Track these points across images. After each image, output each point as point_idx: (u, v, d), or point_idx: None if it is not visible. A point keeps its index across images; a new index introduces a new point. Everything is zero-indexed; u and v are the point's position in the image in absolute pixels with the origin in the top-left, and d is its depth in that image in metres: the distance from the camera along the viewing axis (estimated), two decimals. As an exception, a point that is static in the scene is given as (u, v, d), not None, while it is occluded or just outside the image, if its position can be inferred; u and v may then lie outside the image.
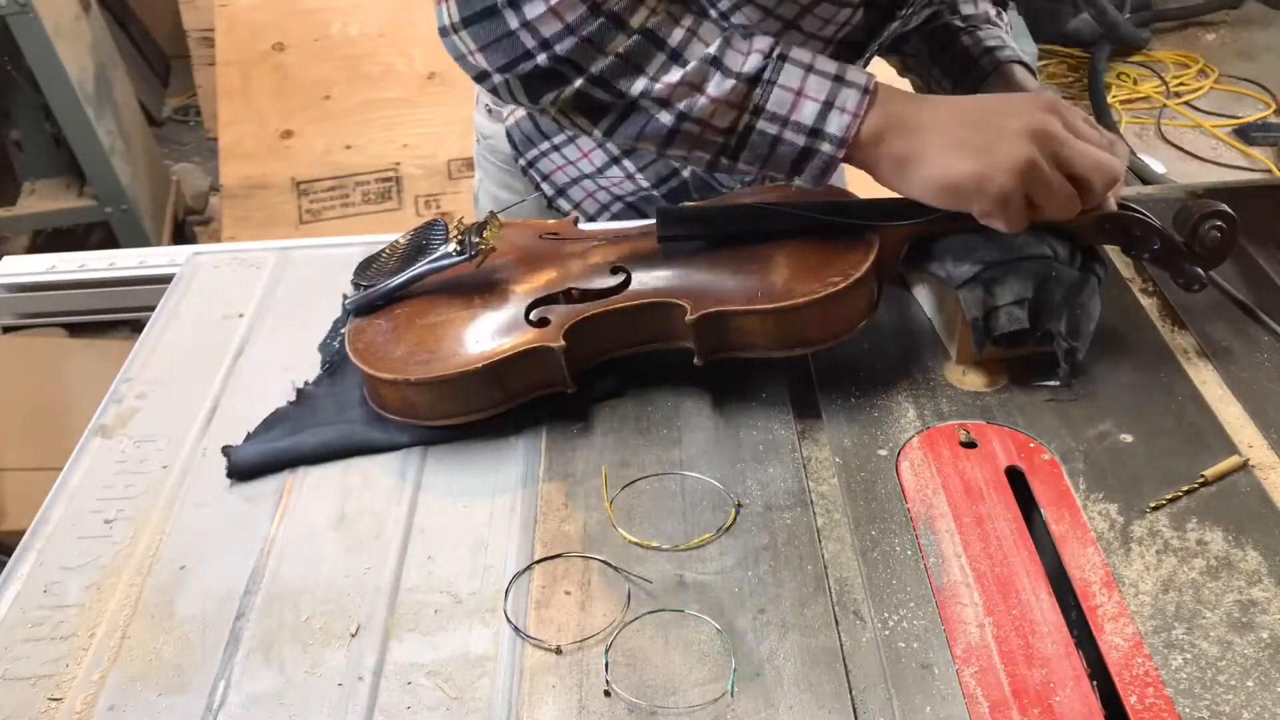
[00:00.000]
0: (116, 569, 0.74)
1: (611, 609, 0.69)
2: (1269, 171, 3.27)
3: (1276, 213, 1.04)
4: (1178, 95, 3.62)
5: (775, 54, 0.78)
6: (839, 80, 0.78)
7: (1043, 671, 0.64)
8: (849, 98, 0.77)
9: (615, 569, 0.71)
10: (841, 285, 0.79)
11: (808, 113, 0.77)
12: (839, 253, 0.82)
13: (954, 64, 1.02)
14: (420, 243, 0.91)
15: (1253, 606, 0.67)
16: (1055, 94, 0.82)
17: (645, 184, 1.08)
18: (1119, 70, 3.71)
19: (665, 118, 0.78)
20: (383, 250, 0.93)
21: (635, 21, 0.76)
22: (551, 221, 0.95)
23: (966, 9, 1.04)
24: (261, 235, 2.43)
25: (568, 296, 0.84)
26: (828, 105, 0.77)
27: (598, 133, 0.81)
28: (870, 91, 0.78)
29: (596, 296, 0.83)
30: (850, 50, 0.95)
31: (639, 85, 0.77)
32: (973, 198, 0.77)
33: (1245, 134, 3.39)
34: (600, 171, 1.08)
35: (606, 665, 0.65)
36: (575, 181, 1.10)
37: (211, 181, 3.09)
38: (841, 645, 0.66)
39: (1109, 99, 3.49)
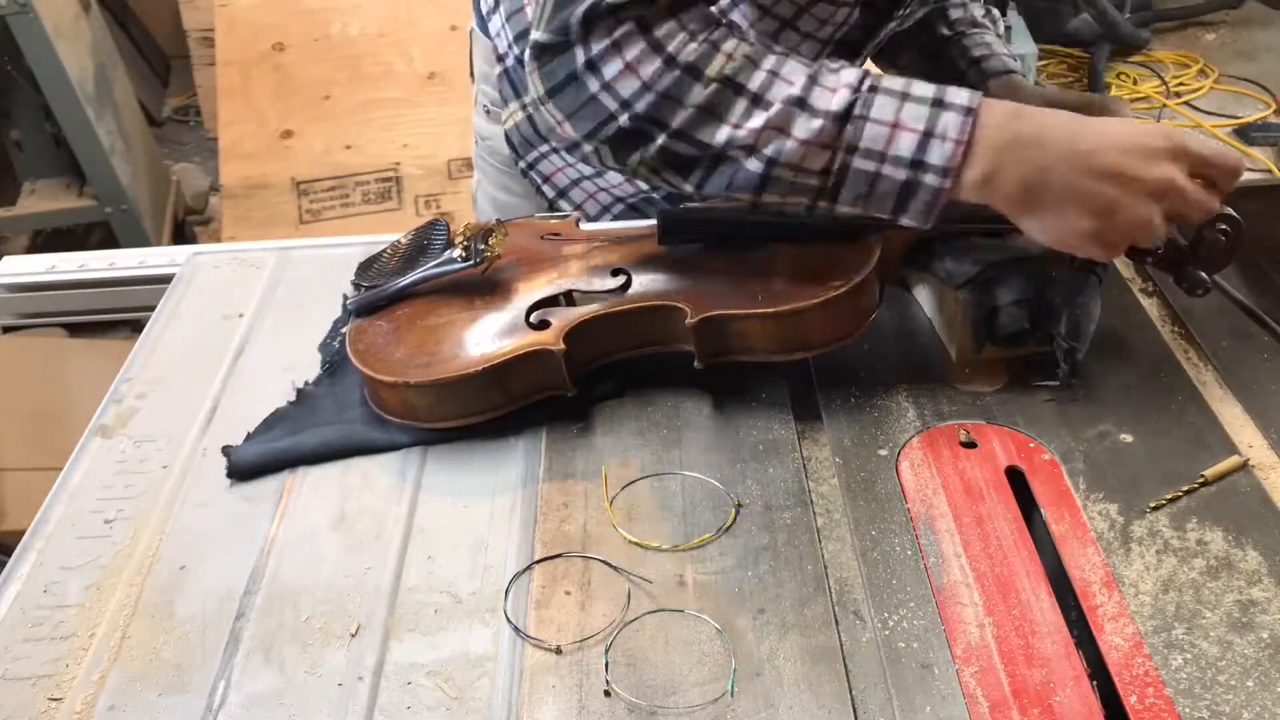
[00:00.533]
0: (116, 569, 0.74)
1: (611, 609, 0.69)
2: (1269, 171, 3.27)
3: (1276, 213, 1.04)
4: (1178, 95, 3.62)
5: (865, 86, 0.73)
6: (938, 104, 0.73)
7: (1043, 671, 0.64)
8: (950, 123, 0.72)
9: (615, 569, 0.71)
10: (843, 289, 0.79)
11: (905, 145, 0.73)
12: (841, 255, 0.82)
13: (944, 79, 1.02)
14: (421, 243, 0.91)
15: (1253, 606, 0.67)
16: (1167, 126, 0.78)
17: (645, 185, 1.08)
18: (1119, 70, 3.70)
19: (754, 165, 0.75)
20: (384, 251, 0.93)
21: (712, 70, 0.74)
22: (554, 221, 0.95)
23: (954, 13, 1.03)
24: (261, 235, 2.43)
25: (568, 299, 0.84)
26: (927, 135, 0.72)
27: (689, 187, 0.78)
28: (974, 110, 0.73)
29: (597, 299, 0.83)
30: (846, 50, 0.95)
31: (722, 134, 0.74)
32: (1086, 250, 0.75)
33: (1245, 134, 3.38)
34: (600, 173, 1.08)
35: (606, 665, 0.65)
36: (576, 183, 1.10)
37: (211, 181, 3.08)
38: (841, 645, 0.66)
39: (1109, 99, 3.48)
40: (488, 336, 0.82)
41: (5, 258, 1.21)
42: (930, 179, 0.73)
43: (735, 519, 0.75)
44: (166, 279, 1.06)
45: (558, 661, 0.66)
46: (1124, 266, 0.98)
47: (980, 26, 1.02)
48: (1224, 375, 0.86)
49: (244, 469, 0.81)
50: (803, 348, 0.82)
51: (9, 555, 0.76)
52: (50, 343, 1.80)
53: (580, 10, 0.73)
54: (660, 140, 0.76)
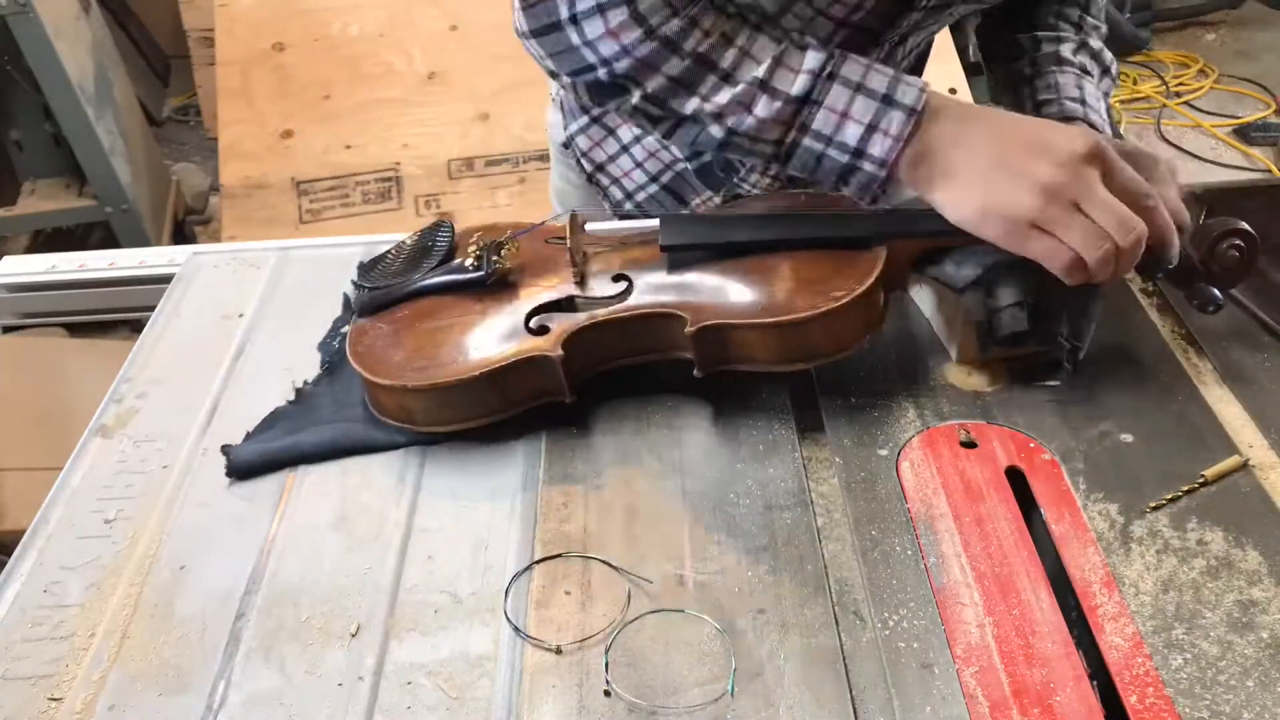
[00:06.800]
0: (116, 569, 0.74)
1: (611, 609, 0.69)
2: (1269, 171, 3.27)
3: (1276, 213, 1.04)
4: (1178, 95, 3.62)
5: (825, 73, 0.79)
6: (887, 101, 0.78)
7: (1043, 671, 0.64)
8: (894, 120, 0.78)
9: (615, 569, 0.71)
10: (844, 300, 0.78)
11: (851, 134, 0.78)
12: (844, 265, 0.81)
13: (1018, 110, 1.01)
14: (426, 244, 0.90)
15: (1253, 606, 0.67)
16: (1105, 138, 0.78)
17: (679, 154, 1.06)
18: (1119, 70, 3.71)
19: (716, 131, 0.81)
20: (388, 252, 0.92)
21: (689, 46, 0.79)
22: (560, 224, 0.94)
23: (1046, 47, 1.01)
24: (261, 235, 2.43)
25: (569, 304, 0.84)
26: (871, 128, 0.78)
27: (657, 134, 0.85)
28: (918, 112, 0.77)
29: (597, 305, 0.83)
30: (864, 37, 0.92)
31: (691, 104, 0.80)
32: (980, 230, 0.77)
33: (1245, 134, 3.39)
34: (637, 140, 1.08)
35: (606, 665, 0.65)
36: (613, 159, 1.10)
37: (211, 181, 3.09)
38: (841, 645, 0.66)
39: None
40: (487, 341, 0.82)
41: (5, 258, 1.21)
42: (869, 167, 0.79)
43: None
44: (166, 279, 1.06)
45: (558, 661, 0.66)
46: (1124, 266, 0.98)
47: (1062, 63, 1.01)
48: (1224, 375, 0.86)
49: (243, 468, 0.81)
50: (803, 358, 0.81)
51: (9, 555, 0.76)
52: (50, 343, 1.80)
53: None
54: (635, 98, 0.81)
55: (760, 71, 0.79)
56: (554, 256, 0.88)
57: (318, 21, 2.59)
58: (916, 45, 1.02)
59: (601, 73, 0.80)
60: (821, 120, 0.79)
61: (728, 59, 0.79)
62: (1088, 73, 1.01)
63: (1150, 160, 0.87)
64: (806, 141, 0.80)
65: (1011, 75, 1.03)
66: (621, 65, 0.79)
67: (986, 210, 0.77)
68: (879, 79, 0.79)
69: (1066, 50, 1.02)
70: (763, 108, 0.79)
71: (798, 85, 0.78)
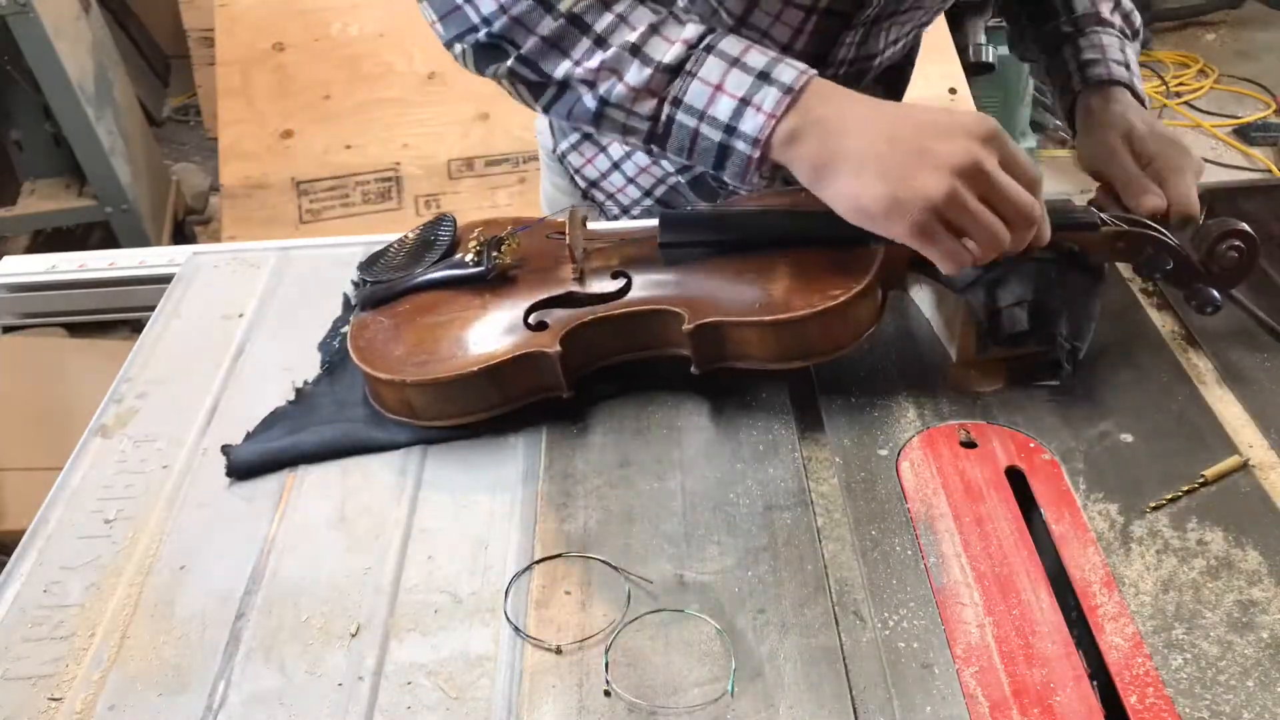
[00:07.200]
0: (116, 569, 0.74)
1: (611, 609, 0.69)
2: (1269, 171, 3.27)
3: (1276, 212, 1.04)
4: (1178, 95, 3.62)
5: (702, 45, 0.77)
6: (763, 77, 0.76)
7: (1043, 671, 0.64)
8: (768, 96, 0.75)
9: (615, 569, 0.71)
10: (842, 298, 0.78)
11: (723, 109, 0.76)
12: (842, 264, 0.81)
13: (1058, 76, 1.00)
14: (428, 238, 0.91)
15: (1253, 606, 0.67)
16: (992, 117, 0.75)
17: (670, 168, 1.06)
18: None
19: (589, 100, 0.79)
20: (390, 246, 0.93)
21: (563, 6, 0.77)
22: (561, 220, 0.94)
23: (1079, 5, 1.00)
24: (261, 235, 2.43)
25: (569, 300, 0.84)
26: (744, 103, 0.75)
27: (539, 107, 0.83)
28: (795, 90, 0.75)
29: (596, 301, 0.83)
30: (836, 22, 0.92)
31: (563, 68, 0.79)
32: (884, 223, 0.74)
33: (1245, 134, 3.39)
34: (628, 156, 1.07)
35: (606, 665, 0.65)
36: (605, 176, 1.10)
37: (211, 181, 3.09)
38: (841, 645, 0.66)
39: (1109, 99, 3.48)
40: (486, 336, 0.82)
41: (5, 258, 1.21)
42: (741, 145, 0.76)
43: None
44: (166, 279, 1.06)
45: (558, 661, 0.66)
46: (1124, 266, 0.98)
47: (1104, 24, 0.99)
48: (1224, 375, 0.86)
49: (243, 468, 0.81)
50: (801, 356, 0.81)
51: (9, 555, 0.76)
52: (50, 343, 1.80)
53: None
54: (510, 60, 0.80)
55: (634, 37, 0.77)
56: (554, 253, 0.88)
57: (318, 21, 2.59)
58: (903, 36, 1.00)
59: (482, 33, 0.79)
60: (695, 93, 0.76)
61: (602, 23, 0.77)
62: (1126, 35, 1.00)
63: (1179, 149, 0.87)
64: (680, 117, 0.77)
65: (1048, 36, 1.02)
66: (498, 24, 0.78)
67: (896, 198, 0.72)
68: (758, 56, 0.76)
69: (1105, 9, 1.00)
70: (634, 75, 0.77)
71: (671, 54, 0.77)
